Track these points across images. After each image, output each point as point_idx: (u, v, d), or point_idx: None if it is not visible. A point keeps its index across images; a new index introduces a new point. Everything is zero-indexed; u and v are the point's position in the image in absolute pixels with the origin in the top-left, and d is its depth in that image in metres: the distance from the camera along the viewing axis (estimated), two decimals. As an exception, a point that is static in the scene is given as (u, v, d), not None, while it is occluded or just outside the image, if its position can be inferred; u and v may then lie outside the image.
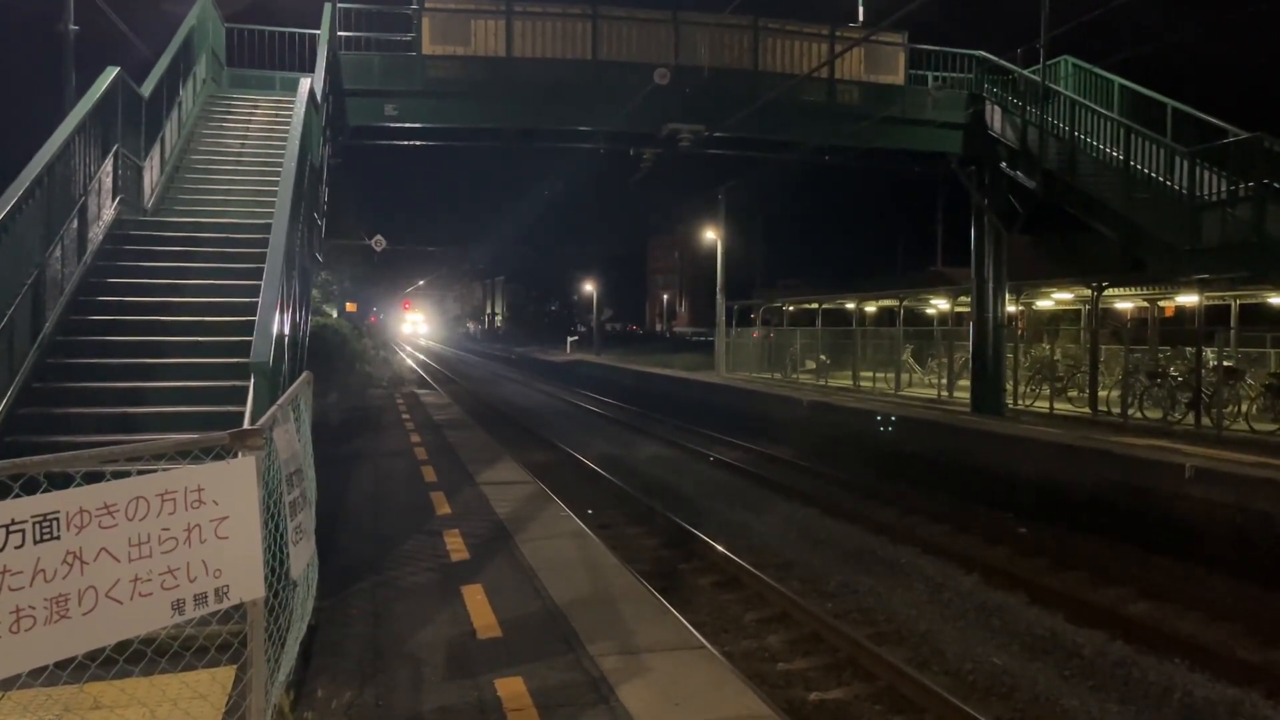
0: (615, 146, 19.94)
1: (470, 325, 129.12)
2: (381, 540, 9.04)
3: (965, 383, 21.69)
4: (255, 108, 14.46)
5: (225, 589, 3.50)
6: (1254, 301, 20.87)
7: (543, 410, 32.99)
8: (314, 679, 5.57)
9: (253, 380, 6.50)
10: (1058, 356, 22.45)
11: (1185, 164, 14.67)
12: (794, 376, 31.37)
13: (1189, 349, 18.81)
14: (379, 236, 24.95)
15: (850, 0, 20.24)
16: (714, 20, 18.21)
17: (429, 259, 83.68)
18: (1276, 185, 13.22)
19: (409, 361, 61.68)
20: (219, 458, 3.63)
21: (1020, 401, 21.20)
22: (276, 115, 13.96)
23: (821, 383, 28.90)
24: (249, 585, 3.60)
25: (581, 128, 19.10)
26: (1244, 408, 16.86)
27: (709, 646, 6.33)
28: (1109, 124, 16.44)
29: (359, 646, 6.15)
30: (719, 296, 36.17)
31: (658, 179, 22.29)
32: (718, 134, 17.78)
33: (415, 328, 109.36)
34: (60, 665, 3.16)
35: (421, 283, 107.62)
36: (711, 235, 37.69)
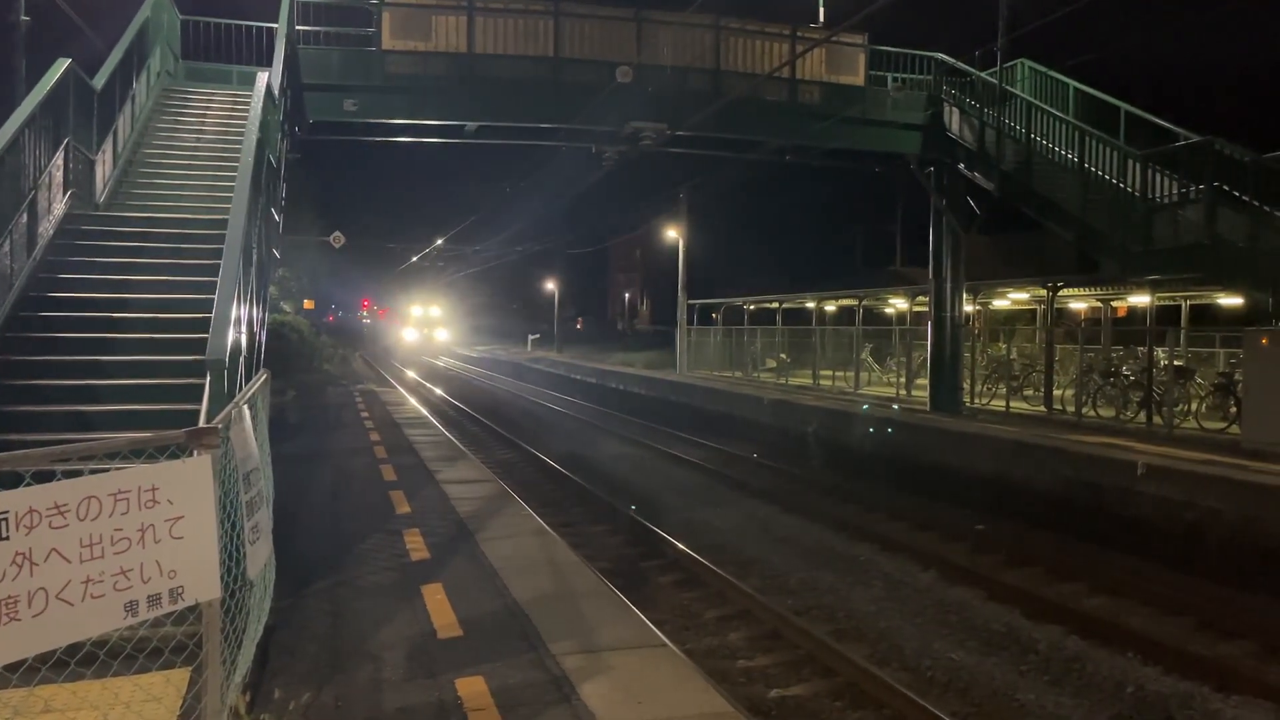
0: (578, 144, 19.92)
1: None
2: (341, 539, 8.94)
3: (924, 381, 21.91)
4: (211, 101, 14.24)
5: (180, 590, 3.44)
6: (1204, 302, 21.27)
7: (504, 408, 32.86)
8: (271, 680, 5.50)
9: (208, 378, 6.41)
10: (1014, 356, 22.75)
11: (1138, 166, 14.93)
12: (755, 375, 31.50)
13: (1141, 349, 19.15)
14: (337, 233, 24.72)
15: (811, 1, 20.36)
16: (676, 19, 18.23)
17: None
18: (1226, 188, 13.48)
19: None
20: (174, 456, 3.57)
21: (977, 400, 21.46)
22: (233, 109, 13.77)
23: (782, 381, 29.05)
24: (204, 586, 3.54)
25: (544, 125, 19.04)
26: (1194, 406, 17.19)
27: (670, 644, 6.33)
28: (1064, 126, 16.69)
29: (318, 647, 6.08)
30: (680, 295, 36.23)
31: (621, 177, 22.31)
32: (680, 133, 17.80)
33: (426, 332, 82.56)
34: (10, 668, 3.09)
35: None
36: (673, 234, 37.74)
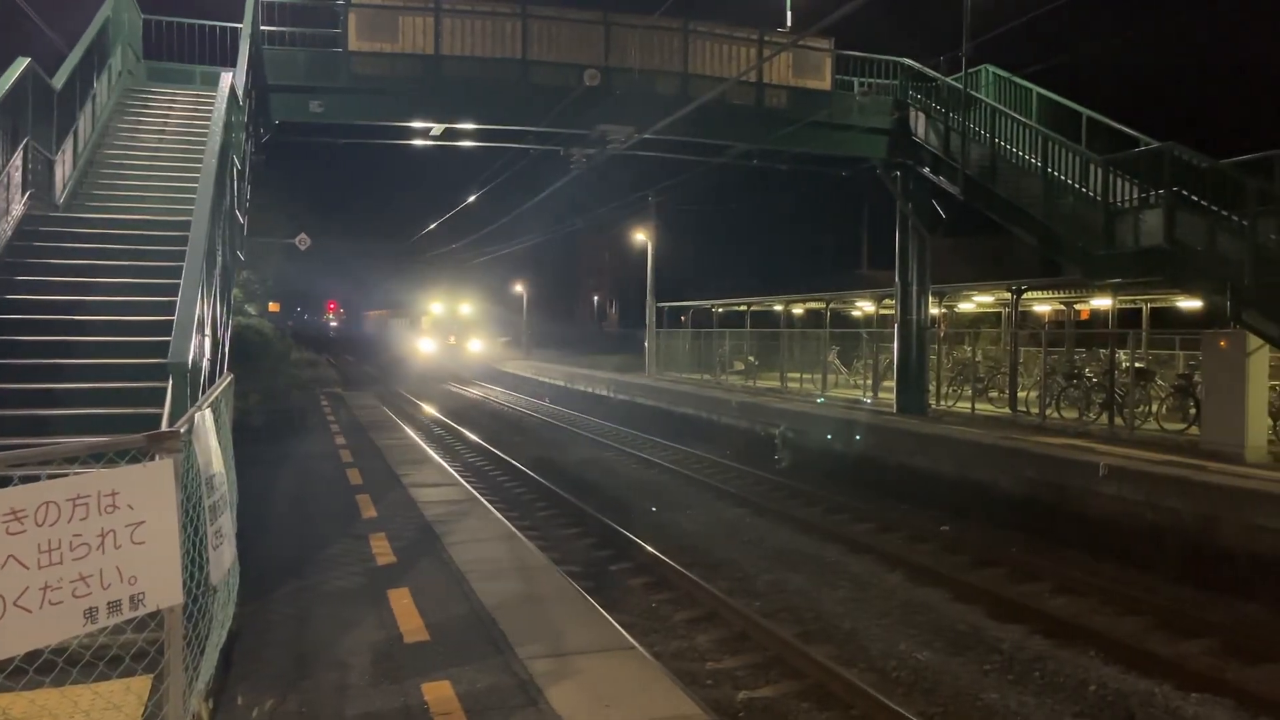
0: (546, 146, 19.89)
1: None
2: (306, 544, 8.87)
3: (890, 384, 22.05)
4: (174, 102, 14.07)
5: (141, 596, 3.40)
6: (1164, 305, 21.60)
7: (471, 412, 32.70)
8: (235, 686, 5.45)
9: (171, 381, 6.33)
10: (979, 358, 22.97)
11: (1099, 171, 15.12)
12: (723, 378, 31.58)
13: (1103, 351, 19.41)
14: (303, 235, 24.50)
15: (779, 5, 20.46)
16: (644, 22, 18.25)
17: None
18: (1185, 193, 13.68)
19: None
20: (135, 461, 3.53)
21: (943, 402, 21.64)
22: (196, 110, 13.61)
23: (750, 384, 29.14)
24: (166, 592, 3.50)
25: (511, 127, 19.01)
26: (1154, 408, 17.43)
27: (638, 647, 6.34)
28: (1027, 131, 16.87)
29: (282, 653, 6.02)
30: (649, 298, 36.26)
31: (589, 179, 22.31)
32: (648, 136, 17.82)
33: (450, 338, 55.96)
34: (-35, 677, 3.03)
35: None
36: (642, 237, 37.77)
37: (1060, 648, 9.07)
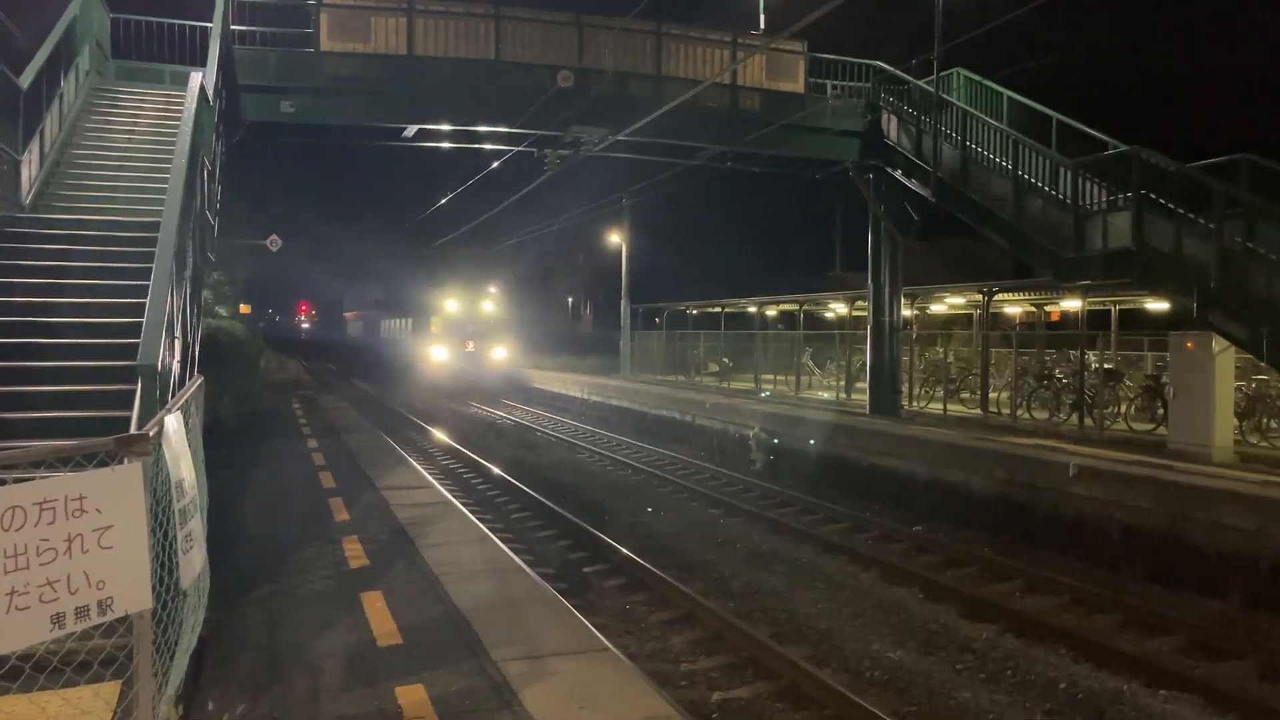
0: (519, 148, 19.85)
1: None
2: (278, 547, 8.80)
3: (863, 385, 22.18)
4: (143, 101, 13.93)
5: (109, 601, 3.36)
6: (1132, 306, 21.85)
7: (444, 414, 32.56)
8: (205, 692, 5.40)
9: (140, 384, 6.26)
10: (951, 359, 23.15)
11: (1069, 174, 15.28)
12: (698, 379, 31.63)
13: (1073, 352, 19.61)
14: (274, 236, 24.31)
15: (752, 8, 20.53)
16: (618, 24, 18.26)
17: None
18: (1153, 196, 13.85)
19: None
20: (104, 464, 3.49)
21: (915, 403, 21.79)
22: (166, 110, 13.48)
23: (724, 385, 29.21)
24: (135, 597, 3.47)
25: (485, 128, 18.97)
26: (1123, 408, 17.64)
27: (613, 649, 6.33)
28: (998, 134, 17.02)
29: (254, 657, 5.98)
30: (624, 301, 36.27)
31: (564, 180, 22.27)
32: (622, 138, 17.83)
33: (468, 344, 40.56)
34: (-72, 685, 2.98)
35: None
36: (616, 239, 37.78)
37: (1031, 646, 9.15)
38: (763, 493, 17.12)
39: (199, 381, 5.98)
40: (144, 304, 7.06)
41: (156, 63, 16.04)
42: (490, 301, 40.03)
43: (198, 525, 4.66)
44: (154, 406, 5.83)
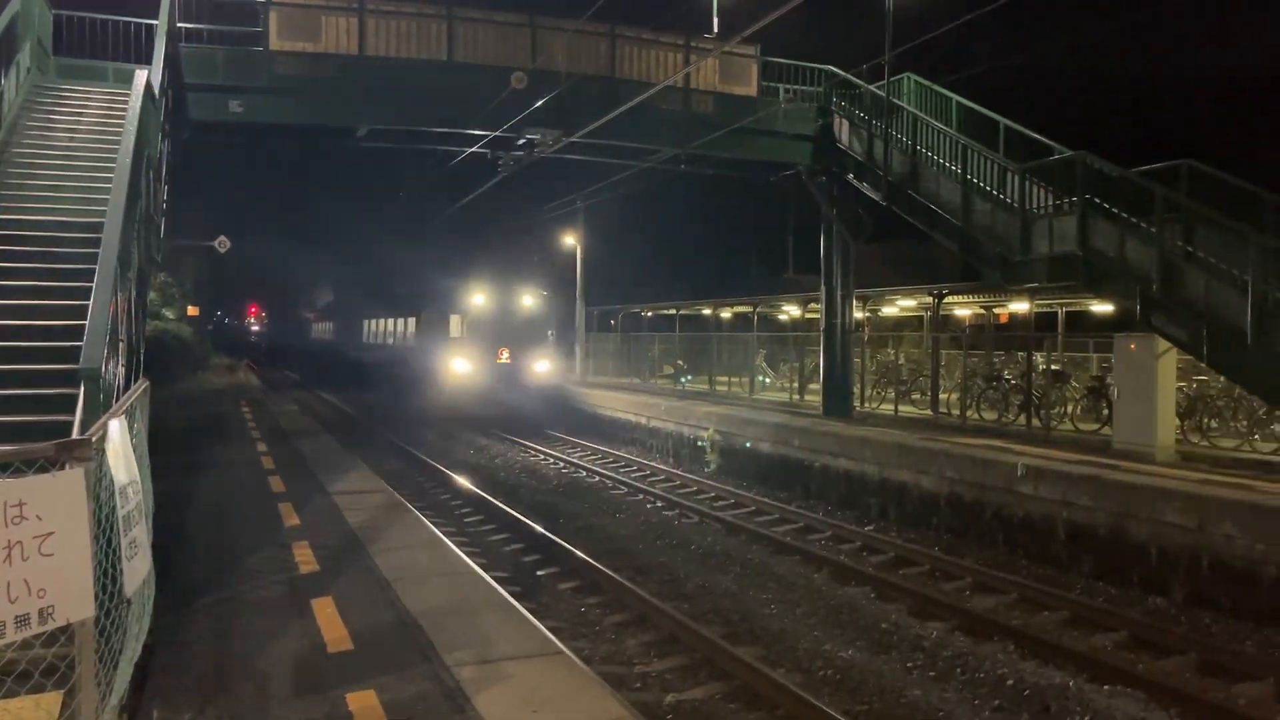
0: (473, 150, 19.76)
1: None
2: (226, 554, 8.67)
3: (816, 386, 22.37)
4: (87, 100, 13.64)
5: (50, 609, 3.30)
6: (1079, 309, 22.27)
7: (399, 418, 32.27)
8: (150, 702, 5.30)
9: (83, 388, 6.14)
10: (902, 361, 23.42)
11: (1016, 179, 15.54)
12: (652, 381, 31.68)
13: (1021, 354, 19.93)
14: (222, 238, 23.95)
15: (706, 12, 20.62)
16: (571, 26, 18.25)
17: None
18: (1098, 201, 14.13)
19: None
20: (44, 470, 3.42)
21: (868, 404, 22.01)
22: (110, 109, 13.21)
23: (679, 387, 29.29)
24: (77, 605, 3.40)
25: (438, 130, 18.86)
26: (1070, 409, 17.97)
27: (567, 652, 6.32)
28: (947, 139, 17.26)
29: (200, 665, 5.88)
30: (579, 302, 36.22)
31: (517, 183, 22.22)
32: (576, 139, 17.83)
33: (502, 353, 29.11)
34: None
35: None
36: (571, 241, 37.71)
37: (980, 644, 9.29)
38: (716, 494, 17.19)
39: (144, 385, 5.87)
40: (87, 306, 6.92)
41: (100, 60, 15.71)
42: (532, 297, 29.39)
43: (142, 532, 4.58)
44: (97, 411, 5.72)
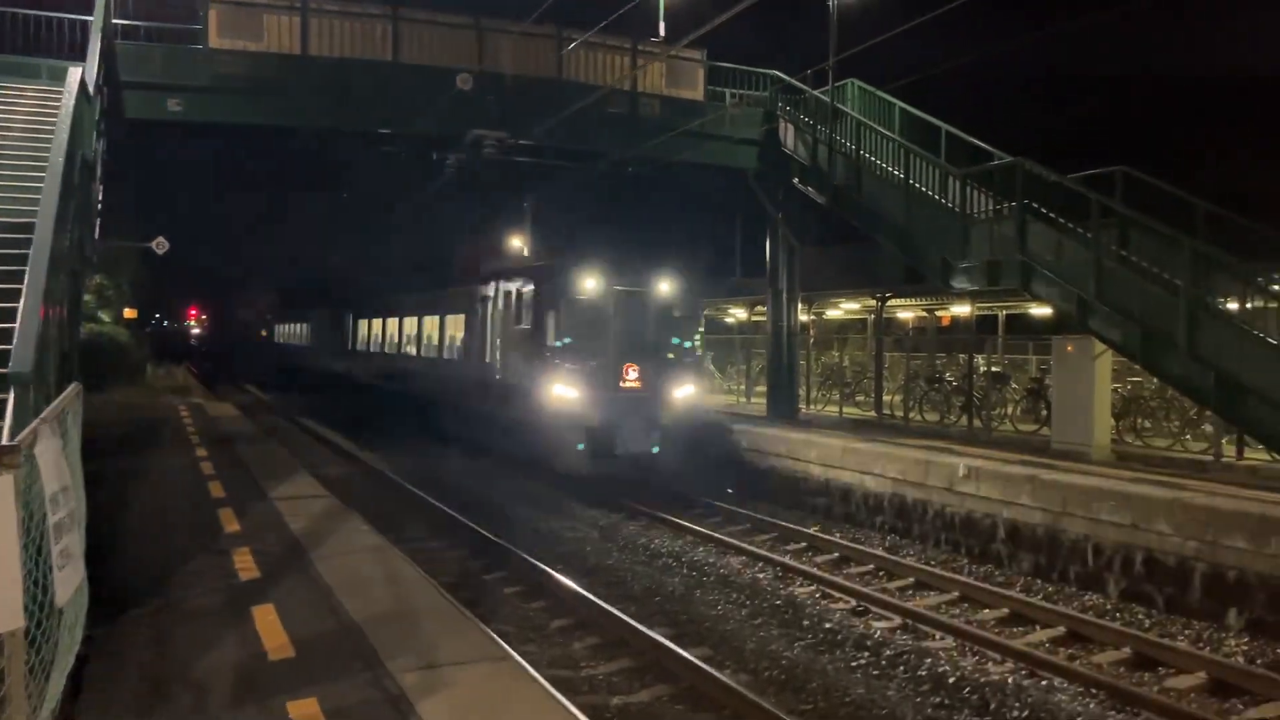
0: (418, 151, 19.61)
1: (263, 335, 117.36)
2: (164, 562, 8.49)
3: (763, 389, 22.52)
4: (18, 97, 13.28)
5: (-23, 621, 3.21)
6: (1018, 311, 22.67)
7: (343, 421, 31.88)
8: (84, 714, 5.18)
9: (12, 393, 5.98)
10: (846, 363, 23.68)
11: (957, 184, 15.80)
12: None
13: (962, 356, 20.26)
14: (161, 239, 23.47)
15: (653, 15, 20.68)
16: (518, 28, 18.20)
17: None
18: (1036, 205, 14.42)
19: None
20: (-30, 478, 3.33)
21: (813, 406, 22.21)
22: (43, 106, 12.87)
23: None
24: (5, 616, 3.32)
25: (383, 130, 18.68)
26: (1009, 410, 18.30)
27: (514, 656, 6.29)
28: (890, 144, 17.50)
29: (137, 676, 5.76)
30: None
31: (464, 185, 22.07)
32: (523, 142, 17.78)
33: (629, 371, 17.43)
34: None
35: None
36: (518, 243, 37.55)
37: (922, 642, 9.43)
38: (664, 496, 17.21)
39: (76, 389, 5.73)
40: (17, 309, 6.74)
41: (33, 57, 15.32)
42: (674, 285, 18.87)
43: (75, 540, 4.48)
44: (27, 416, 5.57)
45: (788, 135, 20.01)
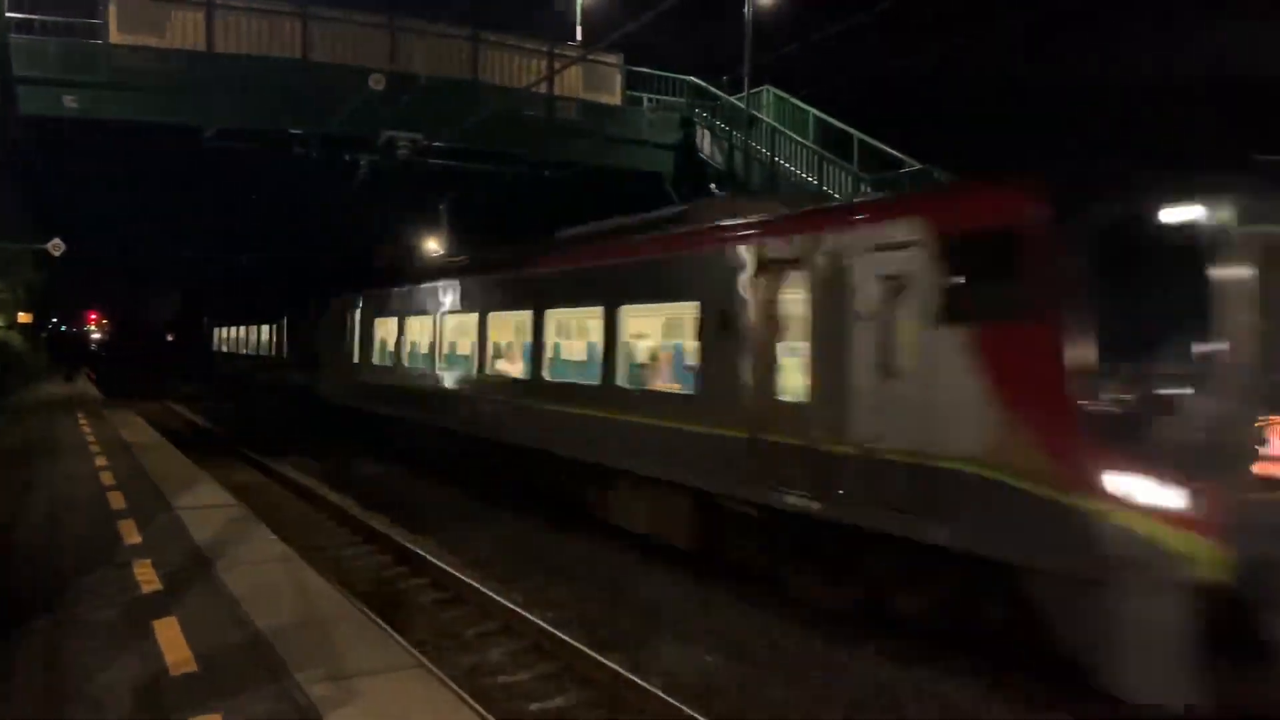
0: (330, 152, 19.24)
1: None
2: (59, 576, 8.14)
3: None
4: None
5: None
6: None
7: (249, 429, 31.11)
8: (-32, 737, 4.92)
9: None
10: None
11: (869, 190, 16.12)
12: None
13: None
14: (57, 240, 22.58)
15: (572, 19, 20.68)
16: (432, 29, 18.03)
17: None
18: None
19: None
20: None
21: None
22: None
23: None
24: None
25: (293, 130, 18.29)
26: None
27: (427, 665, 6.18)
28: (804, 151, 17.77)
29: (29, 695, 5.50)
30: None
31: (379, 186, 21.75)
32: (437, 144, 17.57)
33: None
34: None
35: None
36: (434, 247, 37.14)
37: (833, 647, 9.49)
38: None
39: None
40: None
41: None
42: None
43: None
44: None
45: (704, 141, 20.18)
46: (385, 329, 19.22)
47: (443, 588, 11.35)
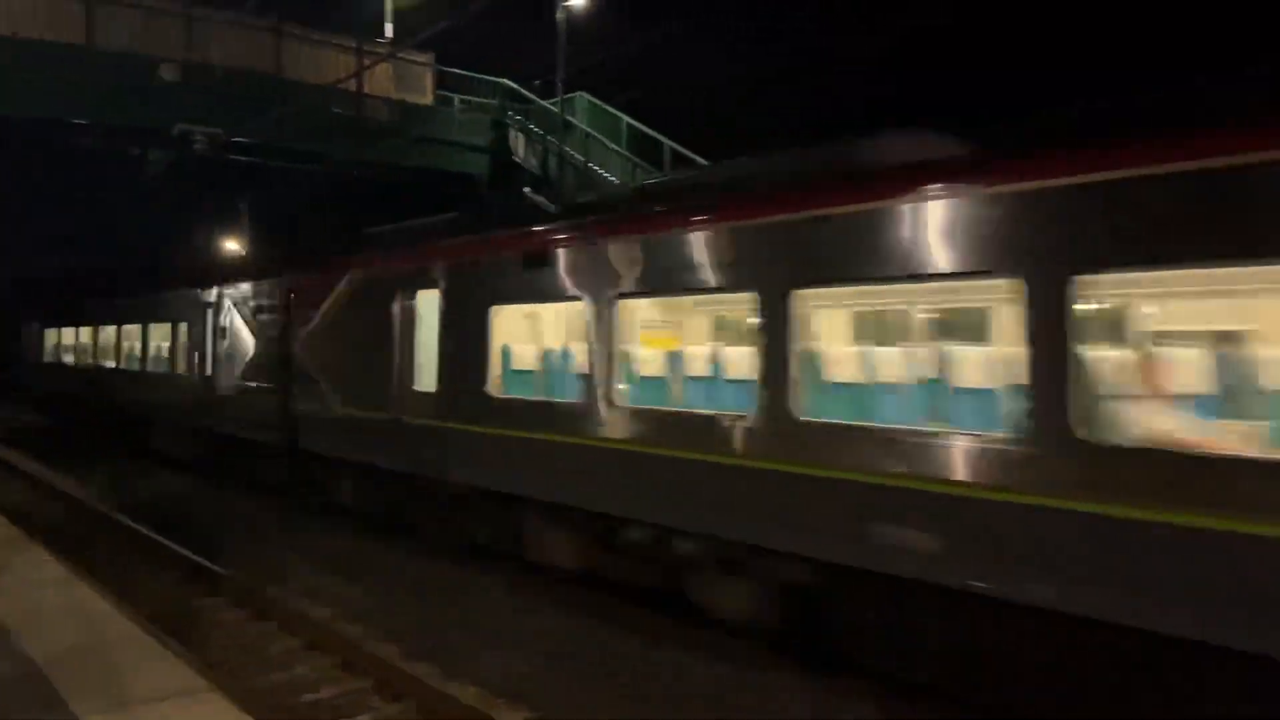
0: (116, 144, 18.05)
1: None
2: None
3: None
4: None
5: None
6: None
7: (32, 441, 28.77)
8: None
9: None
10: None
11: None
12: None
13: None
14: None
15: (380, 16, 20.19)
16: (232, 19, 17.20)
17: None
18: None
19: None
20: None
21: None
22: None
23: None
24: None
25: (74, 120, 17.02)
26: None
27: (216, 688, 5.86)
28: (617, 157, 17.99)
29: None
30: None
31: (175, 181, 20.58)
32: (237, 139, 16.76)
33: None
34: None
35: None
36: (234, 246, 35.43)
37: (655, 649, 9.59)
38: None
39: None
40: None
41: None
42: None
43: None
44: None
45: (519, 144, 20.11)
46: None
47: (243, 605, 10.83)
